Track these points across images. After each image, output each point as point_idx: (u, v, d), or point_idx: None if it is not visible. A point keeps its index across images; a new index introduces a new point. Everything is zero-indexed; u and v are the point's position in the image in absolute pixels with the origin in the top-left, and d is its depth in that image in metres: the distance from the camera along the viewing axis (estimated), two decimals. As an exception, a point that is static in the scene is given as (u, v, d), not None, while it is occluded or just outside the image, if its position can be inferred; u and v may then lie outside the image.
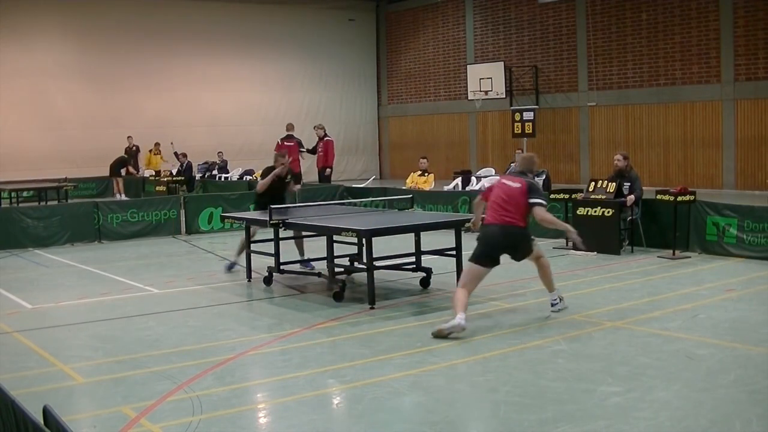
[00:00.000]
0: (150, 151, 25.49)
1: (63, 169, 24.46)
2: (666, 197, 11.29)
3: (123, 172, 23.84)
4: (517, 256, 7.72)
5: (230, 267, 10.95)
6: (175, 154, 23.35)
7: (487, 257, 7.45)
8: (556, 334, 7.11)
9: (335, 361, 6.55)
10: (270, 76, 29.50)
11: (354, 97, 31.48)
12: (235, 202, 15.40)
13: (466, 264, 7.69)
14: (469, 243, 11.88)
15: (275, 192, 10.94)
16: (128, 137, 24.88)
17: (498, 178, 7.76)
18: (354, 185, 19.13)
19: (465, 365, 6.33)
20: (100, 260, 12.35)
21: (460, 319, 7.02)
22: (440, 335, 7.02)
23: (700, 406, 5.25)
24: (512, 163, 21.14)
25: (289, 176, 11.14)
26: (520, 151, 20.64)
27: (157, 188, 21.16)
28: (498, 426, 5.09)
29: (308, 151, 18.56)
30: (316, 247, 10.60)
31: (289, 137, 17.97)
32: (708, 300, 8.51)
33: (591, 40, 24.16)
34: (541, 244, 12.63)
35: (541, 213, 7.55)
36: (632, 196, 11.59)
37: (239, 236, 10.84)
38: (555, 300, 7.91)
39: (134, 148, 24.95)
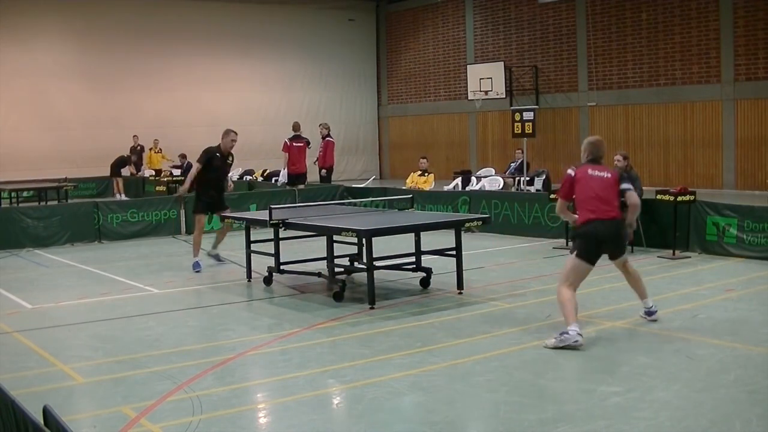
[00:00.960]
0: (150, 149, 25.52)
1: (63, 169, 24.46)
2: (666, 197, 11.29)
3: (125, 172, 23.86)
4: (618, 251, 7.31)
5: (197, 266, 11.21)
6: (177, 165, 23.32)
7: (597, 255, 7.11)
8: (556, 334, 7.10)
9: (335, 361, 6.55)
10: (270, 76, 29.50)
11: (354, 97, 31.47)
12: (235, 202, 15.36)
13: (572, 261, 7.03)
14: (470, 243, 11.94)
15: (212, 181, 11.29)
16: (134, 136, 24.94)
17: (569, 173, 7.17)
18: (354, 185, 19.11)
19: (465, 365, 6.33)
20: (100, 260, 12.34)
21: (575, 332, 6.68)
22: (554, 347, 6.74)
23: (700, 406, 5.25)
24: (512, 163, 21.19)
25: (230, 158, 11.51)
26: (520, 150, 20.62)
27: (157, 188, 21.17)
28: (498, 426, 5.09)
29: (313, 162, 18.61)
30: (316, 247, 10.61)
31: (297, 137, 17.75)
32: (708, 300, 8.51)
33: (591, 40, 24.15)
34: (540, 244, 12.73)
35: (635, 198, 7.25)
36: (632, 196, 11.57)
37: (239, 236, 10.85)
38: (653, 308, 7.54)
39: (139, 147, 24.98)
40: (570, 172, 7.18)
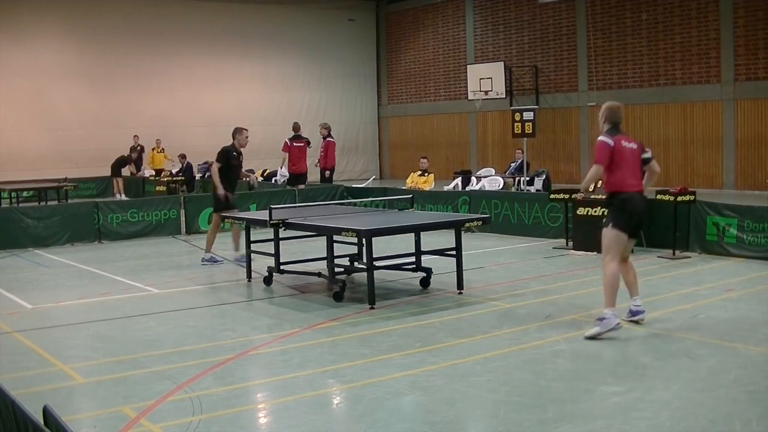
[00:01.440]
0: (153, 149, 25.53)
1: (63, 169, 24.46)
2: (666, 197, 11.29)
3: (125, 171, 23.86)
4: (642, 228, 7.31)
5: (210, 260, 11.50)
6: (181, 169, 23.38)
7: (633, 226, 7.14)
8: (556, 334, 7.11)
9: (335, 361, 6.55)
10: (270, 76, 29.50)
11: (354, 97, 31.48)
12: (235, 202, 15.36)
13: (610, 233, 7.08)
14: (470, 243, 11.93)
15: (230, 180, 11.74)
16: (134, 136, 24.95)
17: (608, 141, 7.21)
18: (354, 185, 19.11)
19: (465, 365, 6.33)
20: (100, 260, 12.34)
21: (612, 313, 6.77)
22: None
23: (700, 406, 5.25)
24: (512, 162, 21.19)
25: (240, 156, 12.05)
26: (520, 150, 20.62)
27: (157, 188, 21.18)
28: (498, 426, 5.09)
29: (315, 164, 18.70)
30: (316, 247, 10.61)
31: (297, 138, 17.72)
32: (708, 300, 8.51)
33: (591, 40, 24.16)
34: (540, 244, 12.73)
35: (658, 167, 7.40)
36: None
37: (239, 236, 10.86)
38: (640, 307, 7.36)
39: (139, 147, 24.99)
40: (607, 140, 7.19)
